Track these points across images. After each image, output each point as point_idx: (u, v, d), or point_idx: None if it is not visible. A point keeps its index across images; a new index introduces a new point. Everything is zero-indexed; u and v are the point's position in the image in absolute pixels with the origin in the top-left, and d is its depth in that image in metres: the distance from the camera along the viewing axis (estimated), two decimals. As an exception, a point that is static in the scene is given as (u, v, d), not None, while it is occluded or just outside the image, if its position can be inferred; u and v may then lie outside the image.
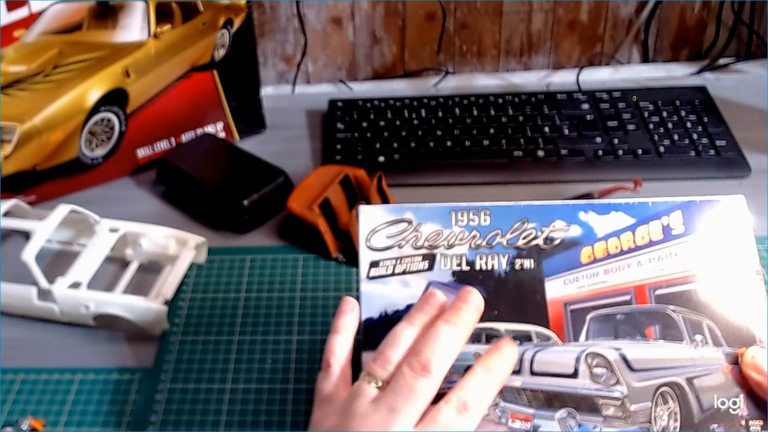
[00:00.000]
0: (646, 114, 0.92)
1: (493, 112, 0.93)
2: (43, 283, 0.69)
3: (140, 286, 0.74)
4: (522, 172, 0.86)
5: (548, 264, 0.54)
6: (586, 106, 0.94)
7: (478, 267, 0.54)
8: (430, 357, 0.47)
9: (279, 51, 1.07)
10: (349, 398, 0.48)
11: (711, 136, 0.88)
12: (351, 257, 0.75)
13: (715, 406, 0.50)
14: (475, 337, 0.52)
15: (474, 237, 0.55)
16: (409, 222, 0.56)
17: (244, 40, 0.88)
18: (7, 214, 0.76)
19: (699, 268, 0.53)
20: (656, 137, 0.89)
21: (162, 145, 0.90)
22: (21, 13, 0.75)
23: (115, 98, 0.83)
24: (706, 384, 0.50)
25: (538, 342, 0.52)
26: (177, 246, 0.76)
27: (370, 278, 0.55)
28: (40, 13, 0.76)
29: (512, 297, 0.53)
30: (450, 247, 0.55)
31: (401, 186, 0.85)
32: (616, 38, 1.09)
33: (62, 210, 0.73)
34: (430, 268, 0.55)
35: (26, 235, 0.72)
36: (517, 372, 0.51)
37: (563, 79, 1.07)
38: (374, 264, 0.55)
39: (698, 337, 0.51)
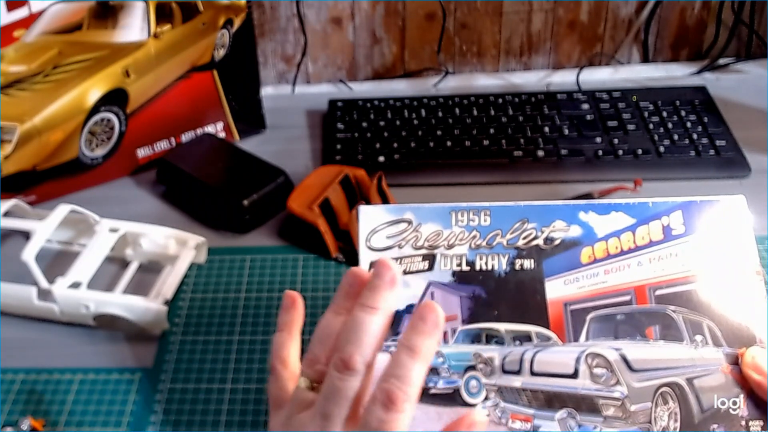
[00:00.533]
0: (646, 114, 0.92)
1: (493, 112, 0.93)
2: (43, 283, 0.69)
3: (140, 286, 0.74)
4: (522, 172, 0.86)
5: (548, 264, 0.54)
6: (586, 106, 0.94)
7: (478, 267, 0.54)
8: (352, 352, 0.45)
9: (279, 51, 1.07)
10: (291, 406, 0.48)
11: (711, 136, 0.88)
12: (351, 257, 0.75)
13: (715, 407, 0.50)
14: (475, 337, 0.52)
15: (474, 237, 0.55)
16: (409, 222, 0.56)
17: (244, 40, 0.88)
18: (7, 214, 0.76)
19: (699, 269, 0.53)
20: (656, 137, 0.89)
21: (162, 145, 0.90)
22: (21, 13, 0.75)
23: (115, 98, 0.83)
24: (706, 384, 0.50)
25: (539, 342, 0.52)
26: (177, 246, 0.76)
27: (370, 278, 0.54)
28: (40, 13, 0.76)
29: (512, 297, 0.53)
30: (450, 247, 0.55)
31: (401, 186, 0.85)
32: (616, 38, 1.09)
33: (62, 210, 0.73)
34: (430, 268, 0.55)
35: (26, 235, 0.72)
36: (517, 372, 0.51)
37: (563, 79, 1.07)
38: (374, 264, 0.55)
39: (698, 338, 0.51)
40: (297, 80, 1.08)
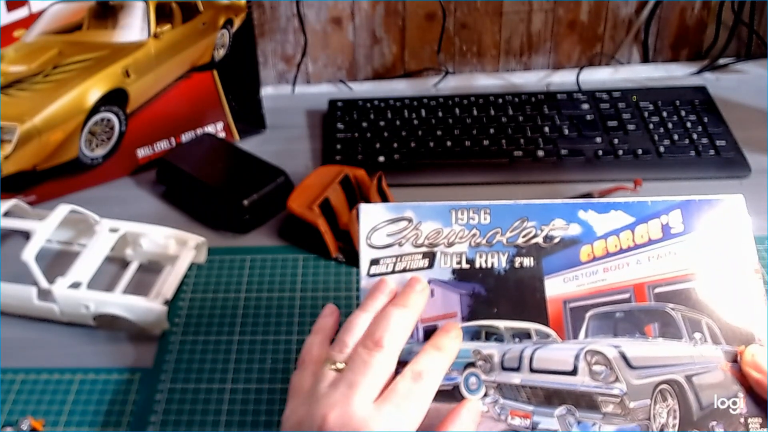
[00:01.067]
0: (646, 114, 0.92)
1: (493, 112, 0.93)
2: (43, 283, 0.69)
3: (140, 286, 0.74)
4: (522, 172, 0.86)
5: (548, 262, 0.54)
6: (586, 106, 0.94)
7: (477, 265, 0.54)
8: (382, 334, 0.49)
9: (279, 51, 1.07)
10: (312, 385, 0.49)
11: (711, 136, 0.88)
12: (351, 257, 0.75)
13: (715, 404, 0.50)
14: (475, 334, 0.52)
15: (474, 235, 0.55)
16: (410, 220, 0.56)
17: (244, 40, 0.89)
18: (7, 214, 0.76)
19: (698, 267, 0.53)
20: (656, 137, 0.89)
21: (162, 145, 0.90)
22: (21, 13, 0.75)
23: (115, 98, 0.83)
24: (705, 382, 0.50)
25: (538, 339, 0.52)
26: (177, 246, 0.76)
27: (371, 275, 0.55)
28: (40, 13, 0.76)
29: (512, 295, 0.53)
30: (450, 245, 0.55)
31: (401, 186, 0.85)
32: (616, 38, 1.09)
33: (62, 210, 0.73)
34: (430, 266, 0.55)
35: (26, 235, 0.72)
36: (516, 369, 0.51)
37: (563, 79, 1.07)
38: (375, 262, 0.55)
39: (697, 335, 0.51)
40: (297, 80, 1.08)
